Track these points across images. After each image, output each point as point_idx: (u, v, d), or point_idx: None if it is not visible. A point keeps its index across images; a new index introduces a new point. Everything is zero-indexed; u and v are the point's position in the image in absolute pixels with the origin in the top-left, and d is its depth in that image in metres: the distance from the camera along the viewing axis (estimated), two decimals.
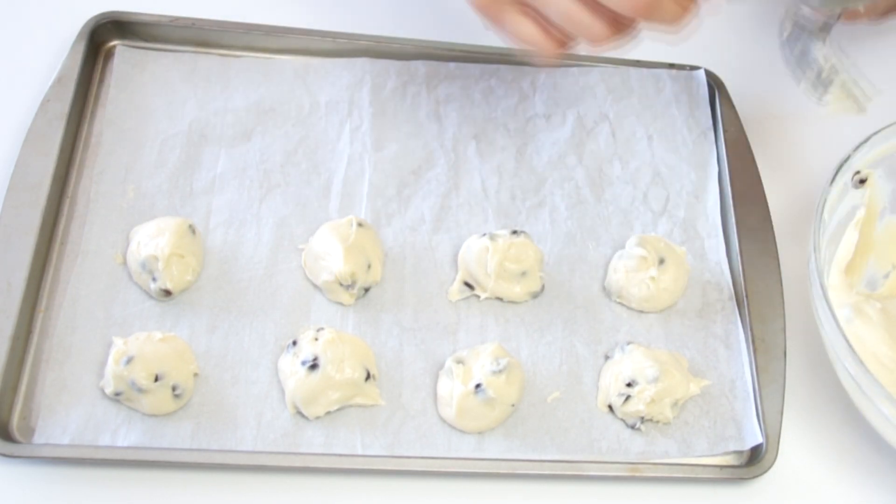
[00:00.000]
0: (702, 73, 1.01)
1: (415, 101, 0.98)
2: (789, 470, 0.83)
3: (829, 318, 0.77)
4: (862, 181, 0.83)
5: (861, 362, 0.75)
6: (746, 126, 0.98)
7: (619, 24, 0.78)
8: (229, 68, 0.97)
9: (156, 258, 0.82)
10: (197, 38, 0.97)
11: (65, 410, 0.78)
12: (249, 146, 0.93)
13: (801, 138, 1.01)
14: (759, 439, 0.82)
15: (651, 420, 0.82)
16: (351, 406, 0.81)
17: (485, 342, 0.85)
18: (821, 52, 0.85)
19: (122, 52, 0.96)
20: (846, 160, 0.84)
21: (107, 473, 0.78)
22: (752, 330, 0.87)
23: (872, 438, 0.83)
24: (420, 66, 0.99)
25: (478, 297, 0.87)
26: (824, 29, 0.85)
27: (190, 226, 0.85)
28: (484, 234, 0.87)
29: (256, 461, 0.78)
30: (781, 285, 0.89)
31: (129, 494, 0.77)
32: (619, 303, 0.89)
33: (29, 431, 0.78)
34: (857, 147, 0.84)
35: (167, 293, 0.83)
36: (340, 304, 0.86)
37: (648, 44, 1.05)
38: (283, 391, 0.81)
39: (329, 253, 0.85)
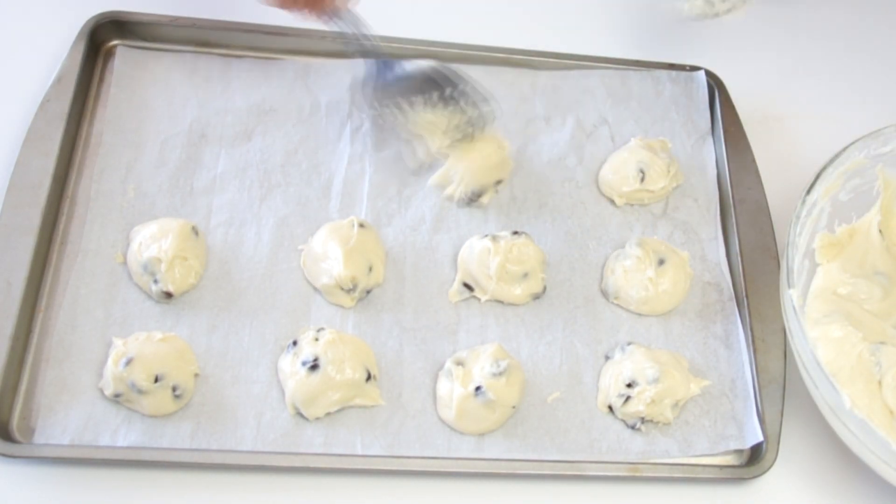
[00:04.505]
0: (702, 74, 1.01)
1: None
2: (789, 470, 0.83)
3: (811, 358, 0.76)
4: None
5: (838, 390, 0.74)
6: (746, 126, 0.98)
7: None
8: (230, 68, 0.97)
9: (159, 260, 0.82)
10: (197, 38, 0.98)
11: (65, 410, 0.78)
12: (250, 146, 0.93)
13: (801, 138, 1.01)
14: (760, 438, 0.82)
15: (651, 421, 0.82)
16: (351, 406, 0.81)
17: (485, 342, 0.85)
18: None
19: (123, 52, 0.96)
20: (811, 187, 0.84)
21: (107, 473, 0.78)
22: (752, 330, 0.87)
23: None
24: None
25: (478, 299, 0.87)
26: None
27: (193, 227, 0.85)
28: (485, 236, 0.87)
29: (256, 461, 0.78)
30: None
31: (129, 494, 0.77)
32: (617, 304, 0.89)
33: (29, 431, 0.78)
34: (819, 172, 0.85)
35: (168, 295, 0.83)
36: (340, 305, 0.86)
37: (650, 43, 1.06)
38: (283, 391, 0.81)
39: (329, 255, 0.85)
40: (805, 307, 0.85)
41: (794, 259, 0.82)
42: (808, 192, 0.83)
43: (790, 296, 0.78)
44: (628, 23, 1.08)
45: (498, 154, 0.90)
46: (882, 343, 0.83)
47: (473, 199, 0.91)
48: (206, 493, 0.78)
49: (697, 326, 0.88)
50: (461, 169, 0.90)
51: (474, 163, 0.90)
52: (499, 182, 0.92)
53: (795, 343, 0.78)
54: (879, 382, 0.81)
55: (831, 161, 0.84)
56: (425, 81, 0.86)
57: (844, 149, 0.84)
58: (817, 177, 0.83)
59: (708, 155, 0.98)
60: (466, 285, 0.87)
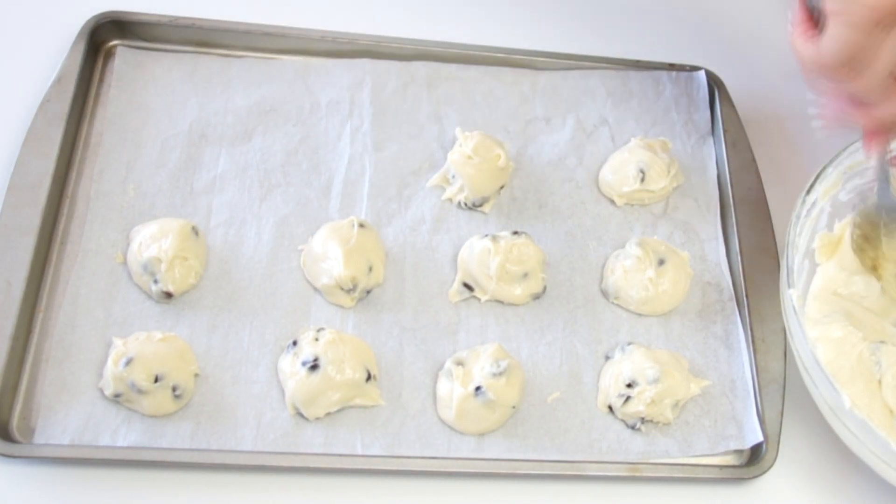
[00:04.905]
0: (702, 74, 1.01)
1: (415, 102, 0.98)
2: (789, 470, 0.83)
3: (811, 358, 0.76)
4: None
5: (837, 389, 0.74)
6: (746, 126, 0.98)
7: None
8: (230, 68, 0.97)
9: (159, 260, 0.82)
10: (197, 38, 0.97)
11: (65, 410, 0.78)
12: (250, 146, 0.93)
13: (801, 138, 1.01)
14: (760, 438, 0.82)
15: (651, 421, 0.82)
16: (351, 406, 0.81)
17: (485, 342, 0.85)
18: None
19: (123, 52, 0.96)
20: (811, 187, 0.84)
21: (107, 473, 0.78)
22: (752, 330, 0.87)
23: None
24: (420, 67, 0.99)
25: (478, 299, 0.87)
26: None
27: (193, 227, 0.85)
28: (485, 236, 0.87)
29: (256, 461, 0.78)
30: None
31: (129, 494, 0.77)
32: (617, 304, 0.89)
33: (29, 431, 0.78)
34: (819, 174, 0.84)
35: (168, 295, 0.83)
36: (340, 305, 0.86)
37: (650, 43, 1.06)
38: (283, 391, 0.81)
39: (329, 255, 0.85)
40: (805, 307, 0.85)
41: (794, 259, 0.82)
42: (808, 192, 0.83)
43: (790, 296, 0.78)
44: (628, 23, 1.08)
45: (499, 161, 0.90)
46: (882, 342, 0.83)
47: (476, 206, 0.91)
48: (206, 493, 0.78)
49: (697, 326, 0.88)
50: (463, 177, 0.90)
51: (476, 173, 0.90)
52: (501, 188, 0.92)
53: (795, 343, 0.78)
54: (879, 382, 0.81)
55: (831, 161, 0.84)
56: None
57: (845, 148, 0.84)
58: (817, 177, 0.83)
59: (708, 155, 0.98)
60: (466, 285, 0.87)
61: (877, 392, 0.81)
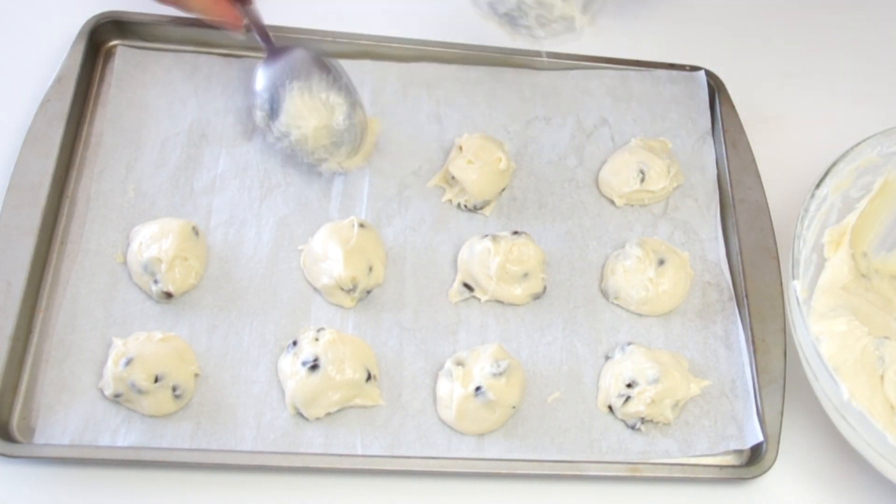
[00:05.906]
0: (702, 74, 1.01)
1: (415, 103, 0.98)
2: (789, 470, 0.83)
3: (812, 350, 0.76)
4: None
5: (838, 382, 0.74)
6: (746, 126, 0.98)
7: None
8: (230, 68, 0.97)
9: (159, 261, 0.82)
10: (197, 37, 0.97)
11: (64, 410, 0.78)
12: (250, 146, 0.93)
13: (801, 138, 1.01)
14: (760, 438, 0.82)
15: (651, 421, 0.82)
16: (351, 406, 0.81)
17: (485, 342, 0.85)
18: None
19: (123, 52, 0.96)
20: (821, 181, 0.83)
21: (107, 473, 0.78)
22: (752, 330, 0.87)
23: None
24: (421, 68, 0.99)
25: (478, 299, 0.87)
26: None
27: (193, 227, 0.85)
28: (485, 236, 0.87)
29: (256, 461, 0.78)
30: (781, 285, 0.89)
31: (129, 494, 0.77)
32: (617, 304, 0.89)
33: (29, 431, 0.78)
34: (836, 161, 0.84)
35: (168, 295, 0.83)
36: (340, 306, 0.86)
37: (650, 43, 1.06)
38: (283, 391, 0.81)
39: (329, 256, 0.85)
40: (811, 301, 0.85)
41: (802, 252, 0.81)
42: (818, 185, 0.82)
43: (794, 287, 0.77)
44: (628, 23, 1.08)
45: (500, 165, 0.90)
46: (886, 338, 0.83)
47: (477, 209, 0.91)
48: (206, 493, 0.78)
49: (697, 326, 0.88)
50: (464, 182, 0.90)
51: (478, 178, 0.90)
52: (502, 190, 0.92)
53: (797, 334, 0.78)
54: (882, 377, 0.81)
55: (843, 156, 0.83)
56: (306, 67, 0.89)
57: (857, 144, 0.84)
58: (827, 171, 0.83)
59: (708, 155, 0.98)
60: (466, 285, 0.87)
61: (878, 387, 0.81)
